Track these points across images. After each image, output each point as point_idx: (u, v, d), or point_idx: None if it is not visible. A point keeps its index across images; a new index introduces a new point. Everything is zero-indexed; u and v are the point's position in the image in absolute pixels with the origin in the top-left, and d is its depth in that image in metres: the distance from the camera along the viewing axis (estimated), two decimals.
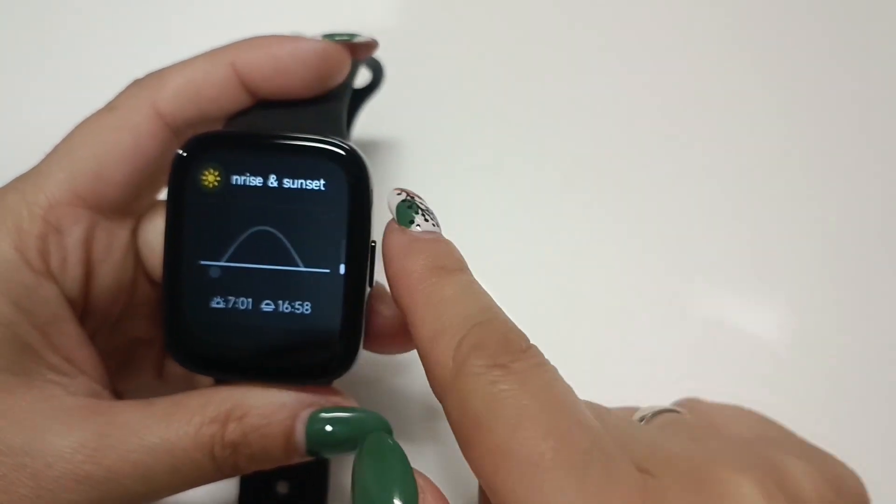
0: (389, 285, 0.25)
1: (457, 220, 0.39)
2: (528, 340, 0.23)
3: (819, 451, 0.25)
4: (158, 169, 0.28)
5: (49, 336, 0.27)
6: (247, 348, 0.27)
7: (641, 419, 0.26)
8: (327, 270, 0.26)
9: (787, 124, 0.41)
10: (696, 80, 0.42)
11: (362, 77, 0.38)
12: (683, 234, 0.40)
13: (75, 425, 0.25)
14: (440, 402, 0.23)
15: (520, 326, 0.37)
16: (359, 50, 0.30)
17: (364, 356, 0.28)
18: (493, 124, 0.41)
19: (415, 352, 0.30)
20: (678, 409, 0.27)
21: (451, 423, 0.23)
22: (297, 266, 0.26)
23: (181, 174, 0.27)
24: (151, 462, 0.25)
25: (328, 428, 0.26)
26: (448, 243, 0.26)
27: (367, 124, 0.39)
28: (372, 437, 0.24)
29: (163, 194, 0.28)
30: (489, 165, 0.41)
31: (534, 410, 0.21)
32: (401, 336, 0.29)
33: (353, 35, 0.30)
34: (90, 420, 0.25)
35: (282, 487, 0.33)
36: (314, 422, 0.26)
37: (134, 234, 0.29)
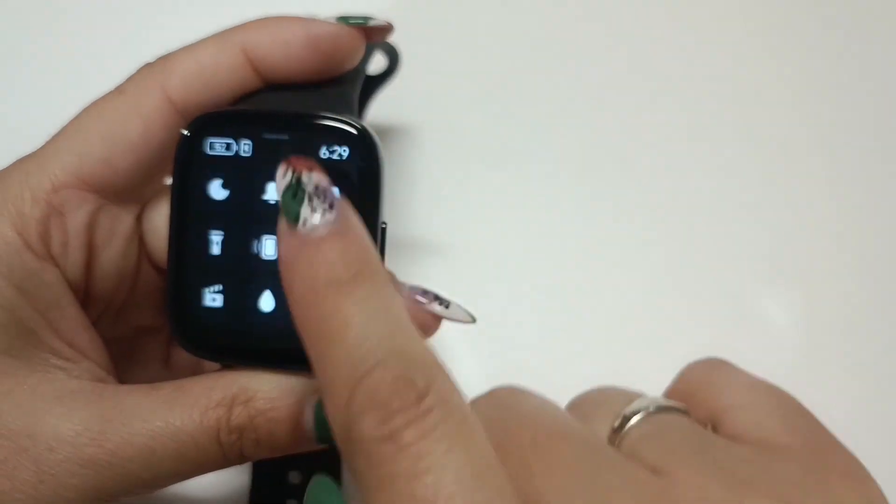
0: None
1: (471, 206, 0.40)
2: (432, 376, 0.20)
3: (853, 463, 0.22)
4: (166, 154, 0.28)
5: (51, 320, 0.26)
6: (253, 333, 0.26)
7: (637, 412, 0.23)
8: None
9: (801, 117, 0.41)
10: (716, 68, 0.42)
11: (378, 63, 0.37)
12: (696, 222, 0.39)
13: (78, 408, 0.25)
14: None
15: (535, 312, 0.37)
16: (373, 33, 0.30)
17: None
18: (509, 110, 0.41)
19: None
20: (683, 408, 0.24)
21: None
22: None
23: (186, 154, 0.26)
24: (156, 447, 0.25)
25: None
26: (343, 237, 0.22)
27: (380, 110, 0.39)
28: (316, 483, 0.23)
29: (169, 179, 0.28)
30: (504, 151, 0.40)
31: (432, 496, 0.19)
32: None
33: (367, 18, 0.29)
34: (94, 404, 0.25)
35: (294, 477, 0.33)
36: (322, 407, 0.26)
37: (139, 219, 0.29)
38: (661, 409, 0.23)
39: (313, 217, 0.21)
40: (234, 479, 0.34)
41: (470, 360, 0.36)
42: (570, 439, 0.21)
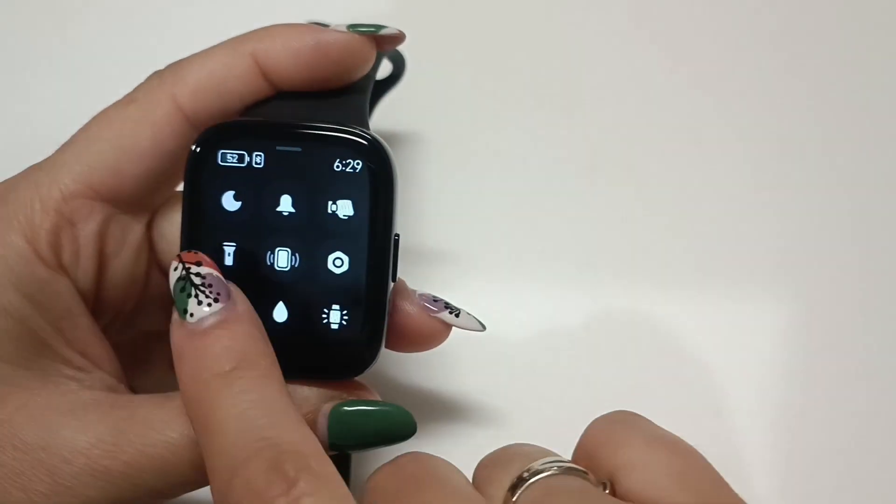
0: None
1: (480, 213, 0.40)
2: (303, 463, 0.21)
3: None
4: (177, 163, 0.28)
5: (63, 330, 0.26)
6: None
7: (533, 476, 0.23)
8: (349, 264, 0.26)
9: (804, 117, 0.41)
10: (719, 72, 0.41)
11: (383, 68, 0.37)
12: (701, 224, 0.39)
13: (92, 420, 0.25)
14: None
15: (534, 318, 0.37)
16: (384, 42, 0.29)
17: (384, 353, 0.27)
18: (516, 116, 0.41)
19: (436, 349, 0.29)
20: (582, 469, 0.23)
21: None
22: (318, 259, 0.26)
23: (196, 165, 0.26)
24: (170, 457, 0.25)
25: (351, 421, 0.26)
26: (227, 329, 0.24)
27: (387, 116, 0.39)
28: None
29: (180, 187, 0.28)
30: (511, 157, 0.40)
31: None
32: (423, 334, 0.28)
33: (378, 27, 0.29)
34: (107, 415, 0.25)
35: None
36: (336, 415, 0.26)
37: (149, 227, 0.29)
38: (558, 471, 0.23)
39: (200, 310, 0.23)
40: None
41: (476, 367, 0.36)
42: None
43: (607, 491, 0.22)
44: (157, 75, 0.28)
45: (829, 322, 0.38)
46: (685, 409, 0.36)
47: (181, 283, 0.24)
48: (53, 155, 0.27)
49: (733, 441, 0.36)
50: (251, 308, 0.25)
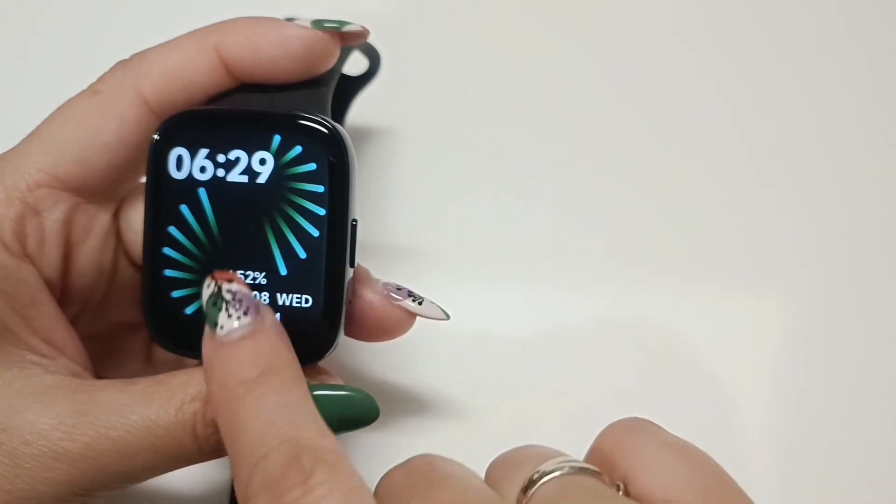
0: None
1: (452, 211, 0.40)
2: (319, 457, 0.22)
3: None
4: (142, 153, 0.28)
5: (28, 318, 0.26)
6: None
7: (547, 475, 0.23)
8: (307, 249, 0.26)
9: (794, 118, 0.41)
10: (698, 72, 0.41)
11: (359, 65, 0.38)
12: (680, 224, 0.39)
13: (54, 403, 0.25)
14: None
15: (513, 322, 0.37)
16: (348, 38, 0.30)
17: (348, 343, 0.27)
18: (490, 113, 0.41)
19: (399, 339, 0.29)
20: (595, 469, 0.23)
21: None
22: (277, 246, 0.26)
23: (158, 156, 0.26)
24: (132, 440, 0.25)
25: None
26: (253, 339, 0.25)
27: (361, 113, 0.39)
28: None
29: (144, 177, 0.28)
30: (485, 155, 0.40)
31: None
32: (386, 323, 0.29)
33: (342, 23, 0.29)
34: (69, 398, 0.25)
35: None
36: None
37: (116, 216, 0.29)
38: (571, 471, 0.23)
39: (230, 322, 0.24)
40: (214, 476, 0.34)
41: (448, 360, 0.36)
42: None
43: (620, 492, 0.23)
44: (120, 66, 0.28)
45: (829, 320, 0.38)
46: (668, 406, 0.36)
47: (213, 299, 0.25)
48: (18, 145, 0.28)
49: (730, 438, 0.36)
50: (278, 323, 0.25)
